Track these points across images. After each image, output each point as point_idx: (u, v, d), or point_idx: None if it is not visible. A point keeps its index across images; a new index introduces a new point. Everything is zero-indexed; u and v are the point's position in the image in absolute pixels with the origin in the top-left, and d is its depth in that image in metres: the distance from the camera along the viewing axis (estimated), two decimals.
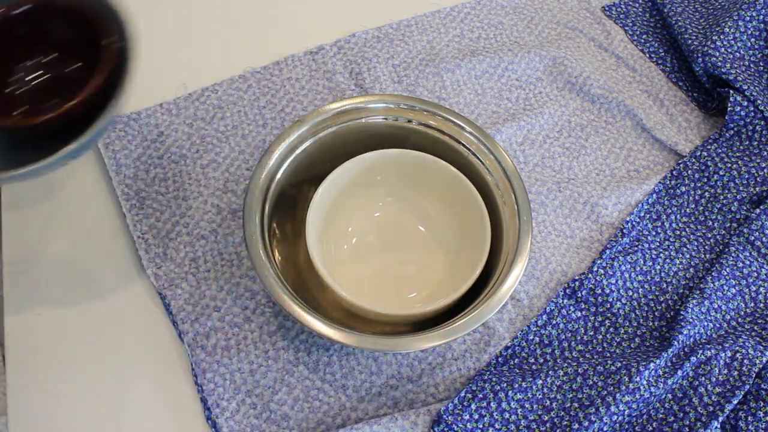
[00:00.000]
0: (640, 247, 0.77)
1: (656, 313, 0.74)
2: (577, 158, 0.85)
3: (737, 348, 0.68)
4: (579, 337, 0.72)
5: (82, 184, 0.81)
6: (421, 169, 0.74)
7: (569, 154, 0.86)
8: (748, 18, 0.90)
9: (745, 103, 0.84)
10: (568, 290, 0.74)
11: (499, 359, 0.70)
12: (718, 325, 0.72)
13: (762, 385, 0.67)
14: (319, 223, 0.71)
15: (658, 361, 0.67)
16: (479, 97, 0.89)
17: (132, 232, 0.77)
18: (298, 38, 0.92)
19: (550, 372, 0.68)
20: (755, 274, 0.75)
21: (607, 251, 0.76)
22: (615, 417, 0.65)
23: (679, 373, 0.67)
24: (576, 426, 0.64)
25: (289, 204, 0.74)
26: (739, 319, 0.73)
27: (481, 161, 0.73)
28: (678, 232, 0.79)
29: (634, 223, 0.79)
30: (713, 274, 0.74)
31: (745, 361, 0.68)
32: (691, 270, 0.77)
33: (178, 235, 0.76)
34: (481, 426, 0.65)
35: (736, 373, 0.67)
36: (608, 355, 0.71)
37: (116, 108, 0.64)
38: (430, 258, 0.74)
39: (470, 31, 0.96)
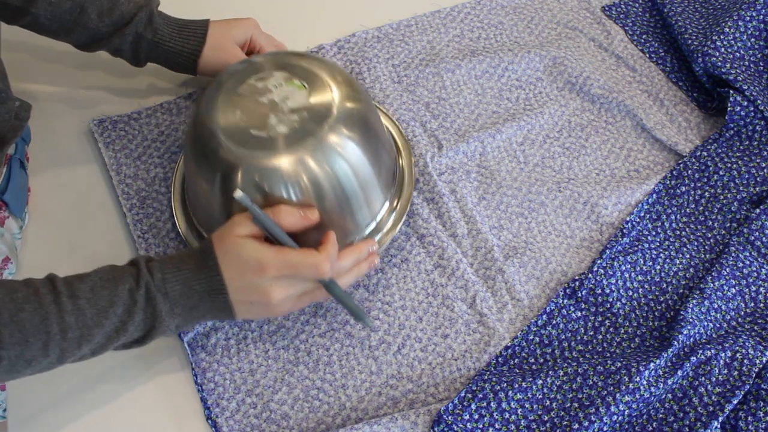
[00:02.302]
0: (640, 247, 0.77)
1: (656, 313, 0.74)
2: (577, 158, 0.85)
3: (737, 348, 0.68)
4: (579, 337, 0.72)
5: (83, 183, 0.81)
6: None
7: (569, 154, 0.86)
8: (748, 18, 0.90)
9: (745, 103, 0.84)
10: (568, 290, 0.74)
11: (499, 359, 0.70)
12: (718, 325, 0.72)
13: (762, 385, 0.67)
14: None
15: (658, 361, 0.67)
16: (479, 97, 0.89)
17: (132, 231, 0.77)
18: (299, 38, 0.92)
19: (550, 372, 0.68)
20: (755, 274, 0.75)
21: (607, 251, 0.76)
22: (615, 417, 0.65)
23: (679, 373, 0.67)
24: (576, 426, 0.64)
25: None
26: (739, 319, 0.73)
27: None
28: (678, 232, 0.79)
29: (634, 223, 0.79)
30: (713, 274, 0.74)
31: (745, 361, 0.68)
32: (691, 270, 0.77)
33: (179, 234, 0.76)
34: (481, 426, 0.65)
35: (736, 373, 0.67)
36: (608, 355, 0.71)
37: None
38: None
39: (470, 31, 0.96)
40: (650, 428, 0.66)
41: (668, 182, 0.82)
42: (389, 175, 0.75)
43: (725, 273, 0.75)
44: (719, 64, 0.87)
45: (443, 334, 0.72)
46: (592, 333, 0.73)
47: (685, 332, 0.69)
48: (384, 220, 0.74)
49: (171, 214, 0.77)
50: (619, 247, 0.77)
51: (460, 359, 0.71)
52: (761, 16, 0.90)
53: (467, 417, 0.65)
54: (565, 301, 0.74)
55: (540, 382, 0.67)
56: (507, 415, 0.66)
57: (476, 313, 0.73)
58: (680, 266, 0.77)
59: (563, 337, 0.72)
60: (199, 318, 0.63)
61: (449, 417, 0.65)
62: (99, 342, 0.58)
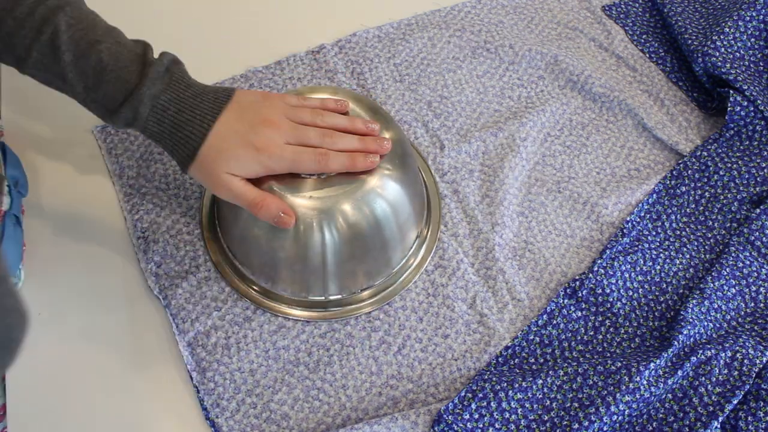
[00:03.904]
0: (640, 247, 0.77)
1: (656, 313, 0.74)
2: (578, 156, 0.85)
3: (737, 348, 0.68)
4: (579, 337, 0.72)
5: (84, 182, 0.81)
6: None
7: (570, 152, 0.86)
8: (748, 18, 0.90)
9: (745, 103, 0.84)
10: (568, 290, 0.74)
11: (500, 359, 0.70)
12: (718, 325, 0.72)
13: (762, 385, 0.67)
14: None
15: (658, 361, 0.67)
16: (481, 95, 0.89)
17: (132, 231, 0.77)
18: (300, 37, 0.92)
19: (550, 372, 0.68)
20: (755, 274, 0.76)
21: (608, 251, 0.76)
22: (615, 417, 0.65)
23: (679, 373, 0.67)
24: (576, 426, 0.64)
25: None
26: (739, 319, 0.73)
27: None
28: (678, 232, 0.79)
29: (634, 222, 0.79)
30: (713, 274, 0.74)
31: (745, 361, 0.68)
32: (691, 270, 0.77)
33: (179, 233, 0.76)
34: (481, 426, 0.65)
35: (736, 373, 0.67)
36: (608, 355, 0.71)
37: None
38: None
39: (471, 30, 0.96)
40: (650, 428, 0.66)
41: (668, 182, 0.82)
42: (421, 205, 0.76)
43: (725, 273, 0.75)
44: (719, 64, 0.87)
45: (443, 335, 0.72)
46: (592, 333, 0.73)
47: (685, 332, 0.69)
48: (414, 252, 0.75)
49: (171, 211, 0.77)
50: (619, 247, 0.77)
51: (460, 359, 0.71)
52: (761, 16, 0.90)
53: (467, 417, 0.65)
54: (566, 301, 0.74)
55: (540, 381, 0.67)
56: (507, 415, 0.66)
57: (476, 313, 0.73)
58: (680, 266, 0.77)
59: (563, 337, 0.72)
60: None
61: (449, 417, 0.65)
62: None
